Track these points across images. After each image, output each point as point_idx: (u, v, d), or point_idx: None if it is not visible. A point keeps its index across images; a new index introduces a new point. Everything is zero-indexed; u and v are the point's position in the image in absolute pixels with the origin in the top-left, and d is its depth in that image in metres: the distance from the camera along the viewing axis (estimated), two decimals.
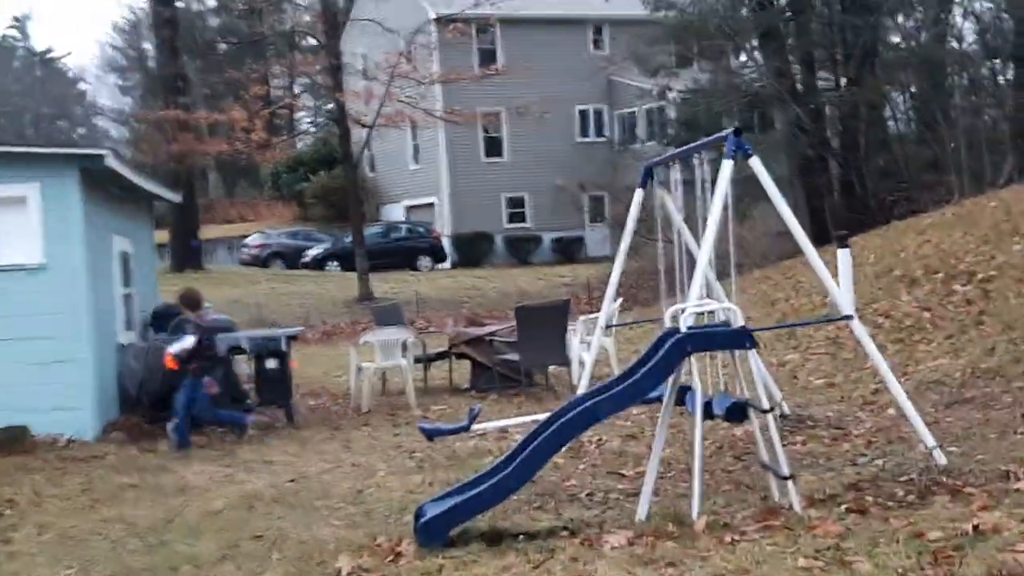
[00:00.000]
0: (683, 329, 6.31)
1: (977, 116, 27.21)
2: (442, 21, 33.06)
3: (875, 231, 20.19)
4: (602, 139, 46.13)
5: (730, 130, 6.90)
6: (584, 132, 46.14)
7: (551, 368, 13.62)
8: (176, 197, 15.52)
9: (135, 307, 13.35)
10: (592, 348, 8.59)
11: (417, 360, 14.09)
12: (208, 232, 51.60)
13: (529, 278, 35.04)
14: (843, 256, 14.14)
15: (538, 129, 43.42)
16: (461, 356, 14.12)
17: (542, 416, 8.03)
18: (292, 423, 11.95)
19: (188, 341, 10.69)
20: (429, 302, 29.55)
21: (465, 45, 41.39)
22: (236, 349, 11.84)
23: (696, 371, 6.42)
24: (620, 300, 14.59)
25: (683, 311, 6.53)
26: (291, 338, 12.11)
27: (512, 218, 44.94)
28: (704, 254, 6.79)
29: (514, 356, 13.07)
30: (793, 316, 15.47)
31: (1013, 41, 26.08)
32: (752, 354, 6.40)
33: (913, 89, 28.63)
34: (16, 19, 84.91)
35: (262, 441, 11.10)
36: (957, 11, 27.39)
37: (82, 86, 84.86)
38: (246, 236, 45.84)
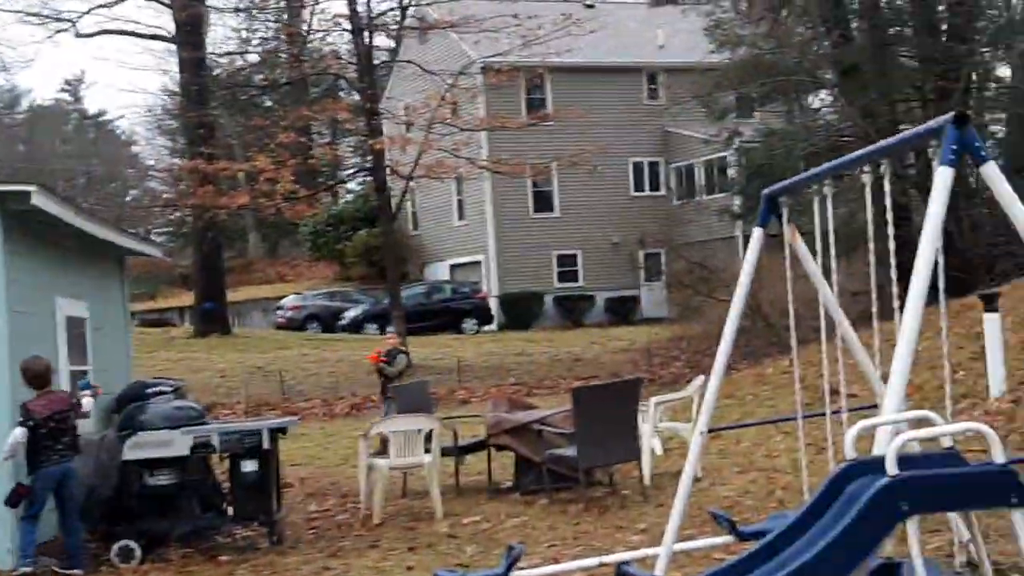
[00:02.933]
0: (891, 471, 3.39)
1: None
2: (488, 68, 30.66)
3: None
4: (658, 193, 43.29)
5: (949, 116, 4.03)
6: (639, 186, 43.33)
7: (616, 464, 10.64)
8: (156, 251, 12.80)
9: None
10: (688, 463, 5.72)
11: (447, 453, 11.20)
12: (244, 293, 49.34)
13: (582, 342, 32.10)
14: (991, 323, 11.16)
15: (590, 182, 40.75)
16: (502, 447, 11.21)
17: (612, 558, 5.24)
18: (276, 544, 9.09)
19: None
20: (473, 369, 26.71)
21: (512, 92, 38.88)
22: (204, 446, 9.02)
23: (915, 540, 3.48)
24: (702, 378, 11.65)
25: (890, 433, 3.64)
26: (277, 431, 9.28)
27: (563, 276, 42.10)
28: (911, 320, 3.86)
29: (570, 451, 10.14)
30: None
31: None
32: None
33: (1006, 128, 25.59)
34: (68, 83, 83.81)
35: None
36: None
37: (134, 148, 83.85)
38: (282, 298, 43.39)
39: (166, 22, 45.70)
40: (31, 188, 8.43)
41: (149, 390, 9.78)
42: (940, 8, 23.21)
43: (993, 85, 23.29)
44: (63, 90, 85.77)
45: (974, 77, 21.37)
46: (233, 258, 58.18)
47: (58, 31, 38.71)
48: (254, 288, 51.71)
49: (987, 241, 24.36)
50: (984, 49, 21.75)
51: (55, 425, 8.37)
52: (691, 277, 33.02)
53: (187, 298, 47.60)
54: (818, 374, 15.28)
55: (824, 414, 5.65)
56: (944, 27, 23.19)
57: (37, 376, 8.45)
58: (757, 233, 5.79)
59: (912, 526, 3.42)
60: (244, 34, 59.28)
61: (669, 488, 10.23)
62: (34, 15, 39.17)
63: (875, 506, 3.39)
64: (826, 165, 5.38)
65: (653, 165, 43.37)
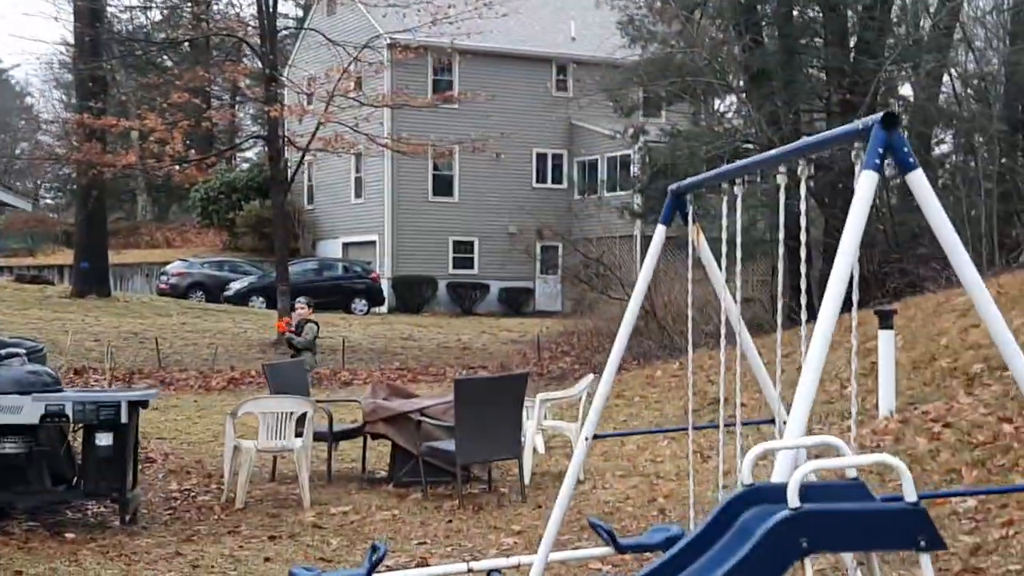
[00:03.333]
0: (793, 502, 3.03)
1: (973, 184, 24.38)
2: (395, 46, 30.06)
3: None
4: (560, 185, 43.10)
5: (877, 116, 3.67)
6: (541, 177, 43.09)
7: (496, 461, 10.25)
8: (21, 202, 11.98)
9: None
10: (571, 470, 5.35)
11: (320, 438, 10.69)
12: (129, 257, 47.95)
13: (473, 330, 31.70)
14: (885, 340, 11.01)
15: (492, 170, 40.52)
16: (378, 436, 10.74)
17: (483, 564, 4.87)
18: (128, 523, 8.50)
19: None
20: (358, 351, 26.11)
21: (419, 71, 38.37)
22: (56, 415, 8.38)
23: None
24: (591, 377, 11.34)
25: (791, 460, 3.28)
26: (136, 404, 8.67)
27: (458, 263, 41.68)
28: (821, 340, 3.50)
29: (448, 444, 9.72)
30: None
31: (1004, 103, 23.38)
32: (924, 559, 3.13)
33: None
34: None
35: (71, 556, 7.65)
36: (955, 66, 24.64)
37: (28, 100, 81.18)
38: (168, 263, 42.18)
39: None
40: None
41: (2, 351, 9.07)
42: (851, 22, 23.27)
43: (896, 102, 23.43)
44: None
45: (879, 92, 21.43)
46: (120, 220, 56.51)
47: None
48: (140, 252, 50.35)
49: (880, 257, 24.57)
50: (891, 66, 21.82)
51: None
52: (586, 272, 32.84)
53: (67, 256, 46.12)
54: (707, 379, 15.15)
55: (717, 425, 5.30)
56: (853, 42, 23.25)
57: None
58: (660, 231, 5.43)
59: (809, 565, 3.07)
60: None
61: (549, 489, 9.89)
62: None
63: (773, 540, 3.02)
64: (738, 163, 5.03)
65: (557, 157, 43.18)
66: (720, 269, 5.37)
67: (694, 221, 5.34)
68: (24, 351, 8.95)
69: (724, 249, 5.07)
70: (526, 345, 28.35)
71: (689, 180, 5.40)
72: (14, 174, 68.99)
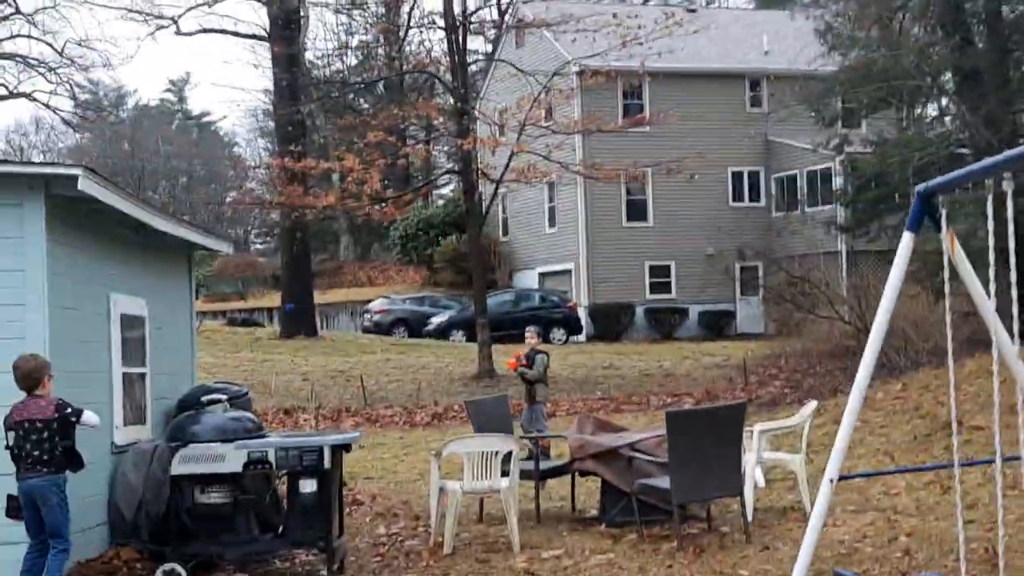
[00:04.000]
0: None
1: None
2: (585, 72, 29.73)
3: None
4: (758, 203, 41.89)
5: None
6: (738, 195, 41.96)
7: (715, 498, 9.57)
8: (225, 247, 12.01)
9: (147, 392, 9.83)
10: (817, 510, 4.69)
11: (527, 476, 10.25)
12: (333, 296, 49.01)
13: (674, 356, 30.91)
14: None
15: (686, 191, 39.63)
16: (587, 473, 10.22)
17: None
18: (335, 573, 8.21)
19: None
20: (559, 381, 25.68)
21: (608, 96, 37.84)
22: (259, 462, 8.18)
23: None
24: (814, 404, 10.57)
25: None
26: (339, 448, 8.40)
27: (655, 288, 40.90)
28: None
29: (663, 481, 9.12)
30: None
31: None
32: None
33: None
34: (172, 83, 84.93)
35: None
36: None
37: (236, 150, 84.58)
38: (371, 301, 42.88)
39: (265, 20, 45.53)
40: (77, 171, 7.66)
41: (205, 397, 8.98)
42: None
43: None
44: (168, 90, 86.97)
45: None
46: (325, 261, 58.02)
47: (159, 28, 38.75)
48: (344, 291, 51.41)
49: None
50: None
51: (22, 434, 7.33)
52: (791, 292, 31.69)
53: (276, 299, 47.41)
54: (936, 401, 14.08)
55: (989, 461, 4.58)
56: None
57: (25, 376, 7.41)
58: (906, 239, 4.75)
59: None
60: (342, 36, 59.45)
61: (774, 527, 9.17)
62: (136, 12, 39.27)
63: None
64: (1001, 156, 4.32)
65: (753, 174, 41.99)
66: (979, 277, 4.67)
67: (947, 227, 4.65)
68: (226, 397, 8.81)
69: (992, 257, 4.36)
70: (731, 370, 27.41)
71: (939, 180, 4.72)
72: (225, 222, 71.76)
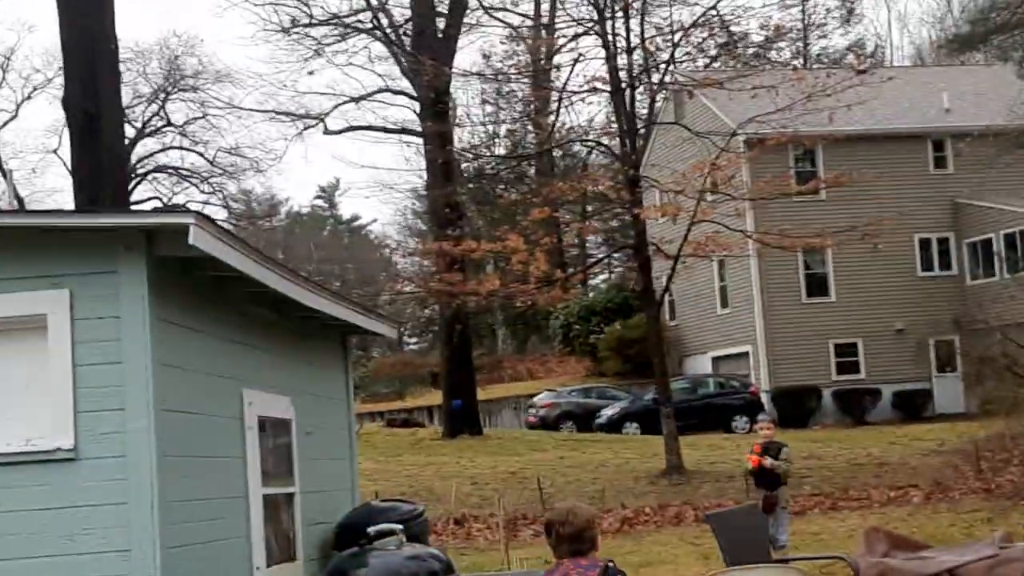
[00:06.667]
0: None
1: None
2: (750, 143, 27.32)
3: None
4: (949, 272, 38.40)
5: None
6: (926, 265, 38.54)
7: None
8: (388, 330, 9.81)
9: (296, 518, 7.57)
10: None
11: None
12: (494, 392, 46.85)
13: (878, 442, 27.72)
14: None
15: (870, 262, 36.49)
16: None
17: None
18: None
19: None
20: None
21: (778, 162, 35.03)
22: None
23: None
24: None
25: None
26: None
27: (842, 368, 37.63)
28: None
29: None
30: None
31: None
32: None
33: None
34: (323, 189, 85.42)
35: None
36: None
37: (386, 251, 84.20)
38: (534, 395, 40.64)
39: (409, 116, 44.50)
40: (188, 219, 5.50)
41: (372, 528, 6.69)
42: None
43: None
44: (318, 197, 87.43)
45: None
46: (482, 355, 56.09)
47: (306, 128, 37.84)
48: (504, 386, 49.28)
49: None
50: None
51: None
52: (994, 366, 28.27)
53: (435, 397, 45.53)
54: None
55: None
56: None
57: (577, 535, 5.02)
58: None
59: None
60: (489, 127, 58.27)
61: None
62: (283, 114, 38.46)
63: None
64: None
65: (942, 241, 38.59)
66: None
67: None
68: (400, 528, 6.48)
69: None
70: (952, 456, 24.14)
71: None
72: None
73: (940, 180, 38.36)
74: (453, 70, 27.25)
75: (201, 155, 51.22)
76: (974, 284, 37.60)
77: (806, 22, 54.59)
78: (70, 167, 20.70)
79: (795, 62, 48.80)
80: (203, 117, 49.92)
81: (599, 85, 23.03)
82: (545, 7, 41.54)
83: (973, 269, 38.12)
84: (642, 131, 26.92)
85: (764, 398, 35.96)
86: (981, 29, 24.47)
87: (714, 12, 24.10)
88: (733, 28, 25.74)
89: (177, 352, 6.07)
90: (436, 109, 27.90)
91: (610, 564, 4.96)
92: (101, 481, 5.81)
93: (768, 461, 11.60)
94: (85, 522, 5.80)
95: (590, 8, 23.13)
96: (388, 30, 33.80)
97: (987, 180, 36.09)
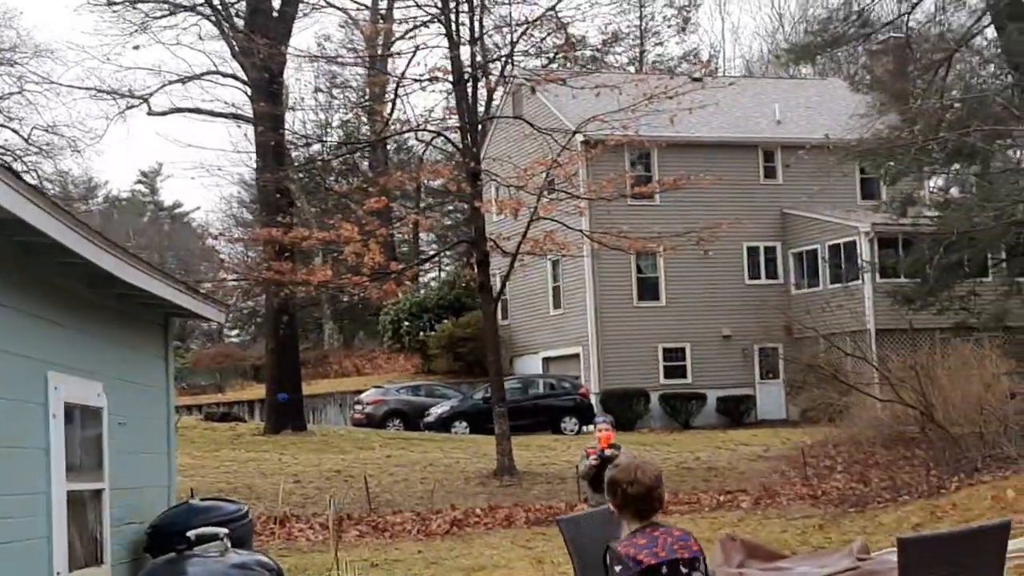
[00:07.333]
0: None
1: None
2: (589, 143, 27.16)
3: None
4: (775, 280, 39.12)
5: None
6: (754, 273, 39.18)
7: None
8: (215, 313, 8.99)
9: (105, 517, 6.73)
10: None
11: None
12: (319, 387, 45.72)
13: (704, 446, 27.89)
14: None
15: (700, 268, 36.88)
16: None
17: None
18: None
19: None
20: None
21: (614, 164, 35.03)
22: None
23: None
24: None
25: None
26: None
27: (669, 372, 37.90)
28: None
29: None
30: None
31: None
32: None
33: None
34: (144, 174, 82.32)
35: None
36: None
37: (210, 242, 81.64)
38: (361, 391, 39.69)
39: (239, 98, 42.92)
40: None
41: (193, 532, 5.93)
42: None
43: None
44: (139, 181, 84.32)
45: None
46: (307, 350, 54.74)
47: (129, 107, 36.02)
48: (329, 381, 48.19)
49: None
50: None
51: None
52: (819, 374, 28.91)
53: (257, 391, 44.18)
54: None
55: None
56: None
57: (642, 497, 4.56)
58: None
59: None
60: (320, 115, 57.03)
61: None
62: (106, 92, 36.50)
63: None
64: None
65: (770, 250, 39.25)
66: None
67: None
68: (224, 531, 5.74)
69: None
70: (777, 461, 24.42)
71: None
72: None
73: (769, 190, 39.01)
74: (288, 50, 26.22)
75: (16, 132, 48.44)
76: (799, 293, 38.38)
77: (643, 28, 55.51)
78: None
79: (630, 67, 49.34)
80: (19, 92, 47.22)
81: (440, 75, 22.46)
82: None
83: (798, 278, 38.91)
84: (481, 125, 26.43)
85: (593, 400, 35.93)
86: (819, 40, 24.78)
87: (552, 13, 23.79)
88: (571, 30, 25.56)
89: None
90: (270, 90, 26.83)
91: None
92: None
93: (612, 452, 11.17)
94: None
95: None
96: (220, 8, 32.45)
97: (813, 192, 36.89)
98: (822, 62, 34.11)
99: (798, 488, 20.33)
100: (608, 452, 11.04)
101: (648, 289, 38.08)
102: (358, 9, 39.71)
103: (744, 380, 38.15)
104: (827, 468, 22.76)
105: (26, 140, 48.56)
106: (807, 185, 37.26)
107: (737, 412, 37.49)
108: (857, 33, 23.07)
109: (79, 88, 49.01)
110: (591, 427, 34.20)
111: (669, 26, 51.05)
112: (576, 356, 38.22)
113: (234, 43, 32.08)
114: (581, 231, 23.77)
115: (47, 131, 48.68)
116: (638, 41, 55.01)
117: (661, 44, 56.41)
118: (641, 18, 55.09)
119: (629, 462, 4.67)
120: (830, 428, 26.71)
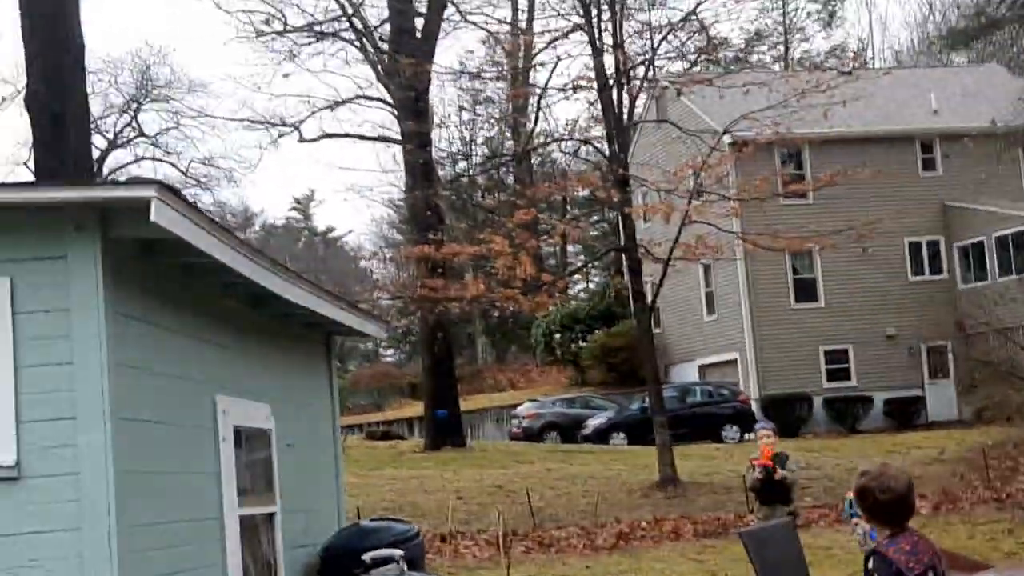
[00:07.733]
0: None
1: None
2: (738, 143, 26.58)
3: None
4: (940, 276, 37.70)
5: None
6: (917, 269, 37.81)
7: None
8: (378, 329, 8.92)
9: (277, 541, 6.66)
10: None
11: None
12: (475, 403, 45.93)
13: (876, 452, 26.90)
14: None
15: (859, 267, 35.83)
16: None
17: None
18: None
19: None
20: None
21: (764, 165, 34.24)
22: None
23: None
24: None
25: None
26: None
27: (832, 375, 36.83)
28: None
29: None
30: None
31: None
32: None
33: None
34: (298, 201, 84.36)
35: None
36: None
37: (363, 264, 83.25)
38: (516, 406, 39.71)
39: (386, 120, 43.58)
40: (149, 192, 4.60)
41: (368, 555, 5.80)
42: None
43: None
44: (293, 208, 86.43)
45: None
46: (462, 366, 55.15)
47: (281, 135, 36.81)
48: (485, 397, 48.37)
49: None
50: None
51: None
52: (994, 371, 27.69)
53: (414, 409, 44.60)
54: None
55: None
56: None
57: (894, 503, 4.51)
58: None
59: None
60: (467, 134, 57.45)
61: None
62: (258, 122, 37.42)
63: None
64: None
65: (933, 245, 37.84)
66: None
67: None
68: (399, 553, 5.59)
69: None
70: (954, 464, 23.41)
71: None
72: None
73: (929, 182, 37.69)
74: (433, 67, 26.40)
75: (174, 166, 50.16)
76: (966, 288, 36.92)
77: (787, 25, 54.47)
78: (33, 171, 19.70)
79: (775, 66, 48.39)
80: (176, 127, 48.88)
81: (583, 84, 22.26)
82: (523, 4, 40.85)
83: (964, 273, 37.45)
84: (627, 131, 26.10)
85: (753, 406, 35.16)
86: (976, 24, 23.77)
87: (694, 16, 23.39)
88: (712, 31, 25.11)
89: (137, 351, 5.15)
90: (416, 109, 27.04)
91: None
92: (48, 503, 4.90)
93: (779, 472, 10.80)
94: (30, 552, 4.90)
95: (576, 3, 22.32)
96: (364, 31, 32.94)
97: (977, 182, 35.51)
98: (979, 47, 32.65)
99: (980, 492, 19.43)
100: (779, 475, 10.66)
101: (805, 290, 37.11)
102: (500, 22, 39.89)
103: (912, 380, 36.83)
104: (1010, 470, 21.69)
105: (184, 173, 50.15)
106: (969, 175, 35.90)
107: (906, 414, 36.22)
108: (1016, 15, 21.99)
109: (232, 120, 50.59)
110: (752, 434, 33.66)
111: (814, 21, 49.91)
112: (733, 362, 37.47)
113: (379, 66, 32.56)
114: (735, 233, 23.19)
115: (204, 163, 50.28)
116: (782, 39, 54.06)
117: (807, 40, 55.24)
118: (784, 15, 54.12)
119: (880, 470, 4.47)
120: (1008, 428, 25.53)
